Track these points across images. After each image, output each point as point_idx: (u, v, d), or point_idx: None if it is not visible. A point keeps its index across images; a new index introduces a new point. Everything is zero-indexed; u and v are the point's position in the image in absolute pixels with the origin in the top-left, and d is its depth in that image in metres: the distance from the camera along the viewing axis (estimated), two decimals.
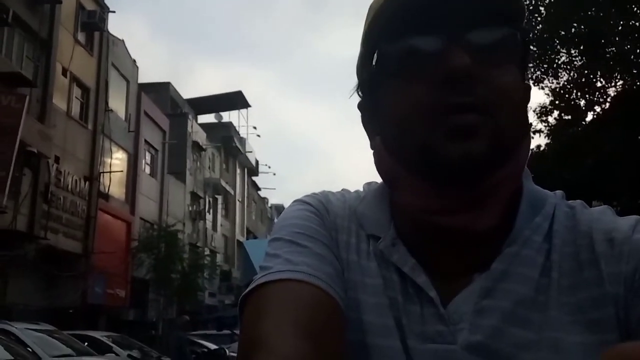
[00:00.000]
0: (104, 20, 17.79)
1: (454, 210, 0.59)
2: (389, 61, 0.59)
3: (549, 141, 14.06)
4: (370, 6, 0.64)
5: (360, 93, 0.67)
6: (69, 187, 15.77)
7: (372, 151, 0.66)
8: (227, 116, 36.02)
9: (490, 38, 0.57)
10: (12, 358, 6.92)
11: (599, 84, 13.20)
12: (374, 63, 0.61)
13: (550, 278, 0.59)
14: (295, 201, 0.71)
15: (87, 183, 16.85)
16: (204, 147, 28.80)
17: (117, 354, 11.15)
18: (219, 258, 29.52)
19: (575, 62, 13.24)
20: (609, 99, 13.15)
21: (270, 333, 0.52)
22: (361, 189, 0.74)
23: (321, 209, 0.69)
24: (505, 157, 0.57)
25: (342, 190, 0.75)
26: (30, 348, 8.00)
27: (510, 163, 0.58)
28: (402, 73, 0.58)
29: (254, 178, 40.84)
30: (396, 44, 0.58)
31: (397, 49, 0.58)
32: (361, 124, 0.68)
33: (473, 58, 0.55)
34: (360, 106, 0.67)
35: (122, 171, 19.34)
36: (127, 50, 20.84)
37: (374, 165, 0.65)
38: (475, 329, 0.58)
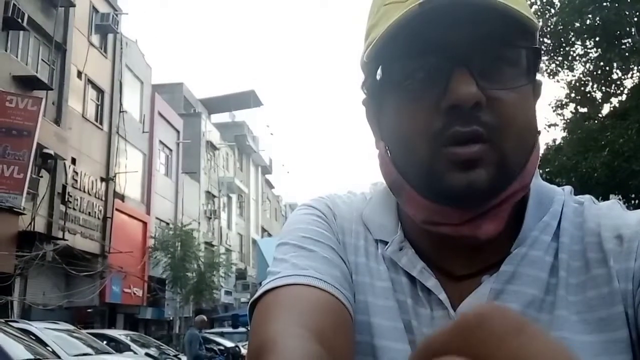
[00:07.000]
0: (117, 23, 17.93)
1: (458, 223, 0.58)
2: (394, 79, 0.57)
3: (565, 135, 13.87)
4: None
5: (364, 90, 0.66)
6: (86, 188, 15.96)
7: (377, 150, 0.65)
8: (241, 115, 36.08)
9: (499, 60, 0.55)
10: (33, 357, 7.00)
11: (615, 76, 13.00)
12: (378, 77, 0.59)
13: (559, 277, 0.59)
14: (301, 205, 0.71)
15: (103, 184, 17.03)
16: (217, 146, 28.94)
17: (135, 353, 11.26)
18: (234, 256, 29.66)
19: (590, 54, 13.06)
20: (625, 91, 12.95)
21: (278, 336, 0.52)
22: (367, 190, 0.74)
23: (328, 213, 0.68)
24: (510, 180, 0.56)
25: (349, 192, 0.74)
26: (50, 347, 8.09)
27: (517, 181, 0.57)
28: (407, 93, 0.57)
29: (267, 176, 40.94)
30: (402, 63, 0.56)
31: (403, 68, 0.56)
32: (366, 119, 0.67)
33: (481, 82, 0.53)
34: (364, 103, 0.67)
35: (137, 171, 19.50)
36: (141, 52, 21.00)
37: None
38: None
